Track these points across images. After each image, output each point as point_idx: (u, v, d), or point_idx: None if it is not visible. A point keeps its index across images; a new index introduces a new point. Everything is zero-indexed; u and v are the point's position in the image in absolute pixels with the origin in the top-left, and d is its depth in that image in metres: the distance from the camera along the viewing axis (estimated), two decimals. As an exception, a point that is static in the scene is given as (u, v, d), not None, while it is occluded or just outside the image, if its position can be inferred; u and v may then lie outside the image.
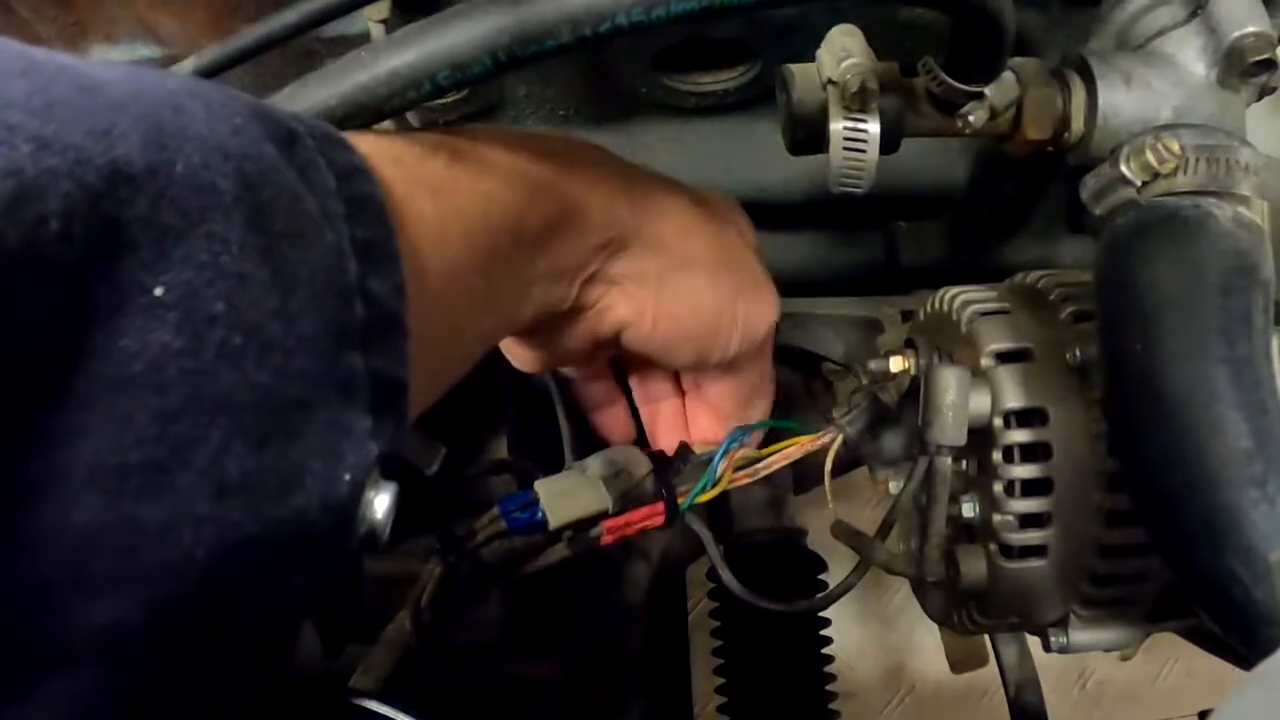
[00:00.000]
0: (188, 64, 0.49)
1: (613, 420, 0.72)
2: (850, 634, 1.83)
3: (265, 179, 0.31)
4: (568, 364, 0.62)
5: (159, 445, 0.27)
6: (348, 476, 0.33)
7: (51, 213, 0.25)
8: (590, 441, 0.73)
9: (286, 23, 0.47)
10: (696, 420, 0.71)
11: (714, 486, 0.65)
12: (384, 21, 0.67)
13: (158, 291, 0.27)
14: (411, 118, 0.81)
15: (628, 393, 0.74)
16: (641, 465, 0.65)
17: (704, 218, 0.59)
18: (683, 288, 0.56)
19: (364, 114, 0.49)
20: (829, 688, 0.92)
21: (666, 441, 0.72)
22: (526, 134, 0.54)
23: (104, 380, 0.26)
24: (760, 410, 0.70)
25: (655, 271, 0.55)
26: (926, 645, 1.82)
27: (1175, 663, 1.82)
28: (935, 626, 0.84)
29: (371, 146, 0.41)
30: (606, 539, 0.64)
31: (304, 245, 0.32)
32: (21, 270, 0.24)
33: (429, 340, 0.40)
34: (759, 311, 0.61)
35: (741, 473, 0.66)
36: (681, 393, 0.72)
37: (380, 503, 0.34)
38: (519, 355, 0.59)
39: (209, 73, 0.49)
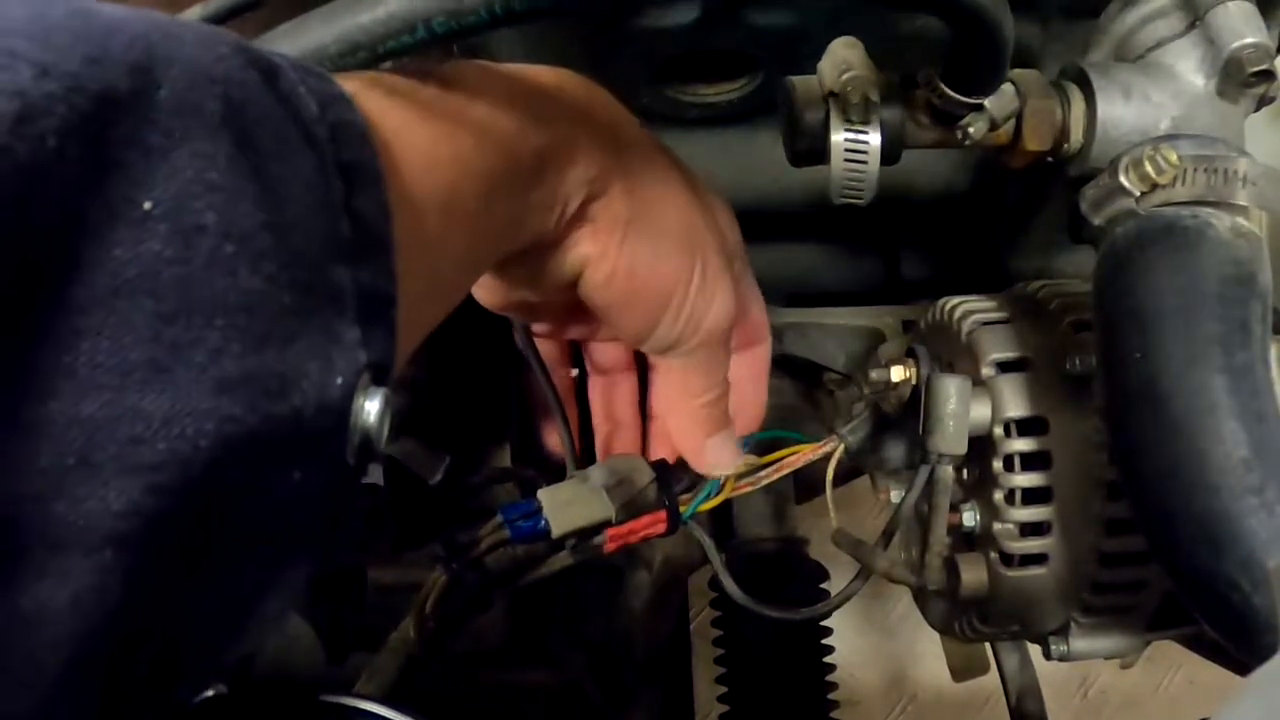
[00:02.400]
0: (194, 11, 0.49)
1: (561, 383, 0.72)
2: (852, 643, 1.83)
3: (250, 103, 0.33)
4: (527, 305, 0.61)
5: (156, 345, 0.29)
6: (339, 380, 0.35)
7: (49, 130, 0.27)
8: (593, 451, 0.73)
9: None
10: (657, 399, 0.70)
11: (716, 495, 0.66)
12: None
13: (146, 205, 0.29)
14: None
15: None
16: (644, 474, 0.65)
17: (685, 186, 0.58)
18: (648, 245, 0.55)
19: (358, 53, 0.49)
20: (831, 696, 0.92)
21: (622, 417, 0.72)
22: (521, 66, 0.53)
23: (100, 286, 0.28)
24: (749, 421, 0.69)
25: (626, 218, 0.54)
26: (928, 654, 1.82)
27: (1177, 671, 1.82)
28: (936, 635, 0.84)
29: (365, 79, 0.44)
30: (609, 547, 0.64)
31: (290, 165, 0.34)
32: (28, 181, 0.27)
33: (431, 263, 0.42)
34: (712, 303, 0.59)
35: (743, 481, 0.66)
36: (634, 369, 0.71)
37: (371, 407, 0.35)
38: (485, 284, 0.59)
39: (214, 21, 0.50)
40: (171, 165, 0.30)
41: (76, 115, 0.28)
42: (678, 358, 0.60)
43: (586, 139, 0.52)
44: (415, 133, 0.43)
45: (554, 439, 0.73)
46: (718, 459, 0.64)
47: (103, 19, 0.30)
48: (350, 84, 0.41)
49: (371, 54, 0.48)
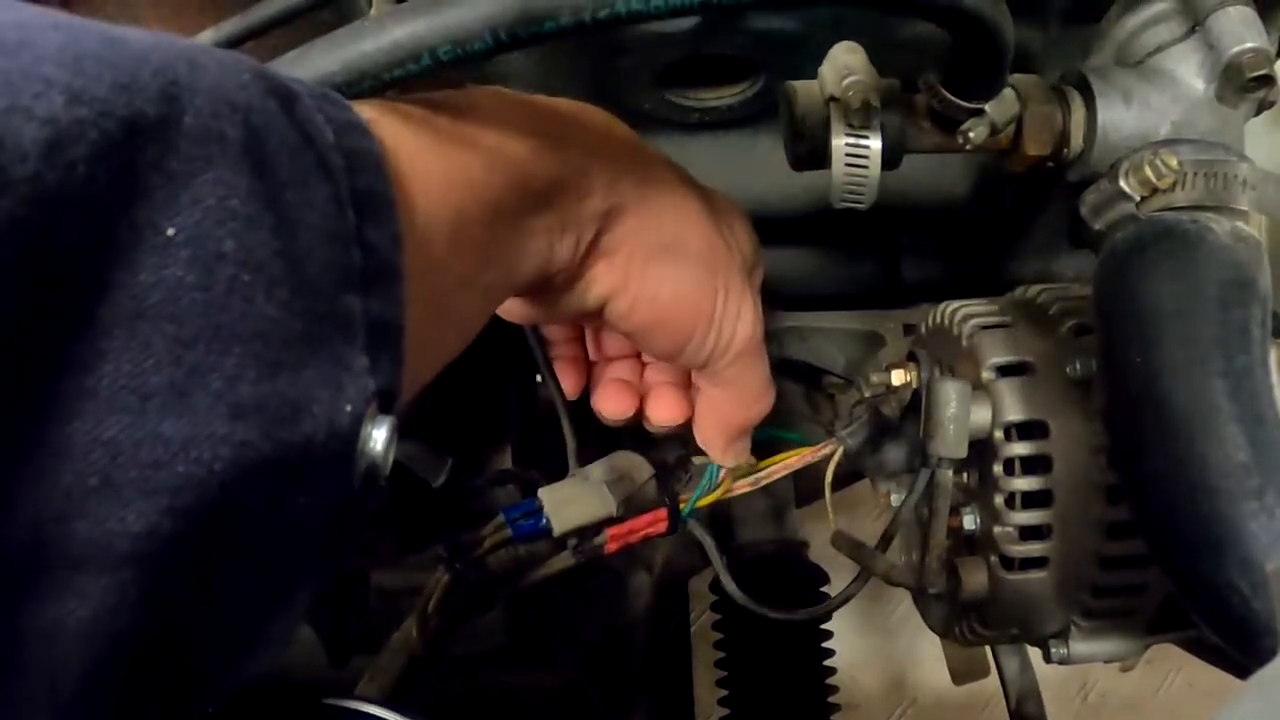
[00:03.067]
0: (206, 35, 0.49)
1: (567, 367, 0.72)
2: (852, 646, 1.83)
3: (269, 130, 0.34)
4: (551, 325, 0.62)
5: (176, 369, 0.30)
6: (349, 408, 0.35)
7: (80, 158, 0.28)
8: (595, 453, 0.73)
9: (270, 14, 0.48)
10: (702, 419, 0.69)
11: (714, 490, 0.66)
12: None
13: (170, 232, 0.30)
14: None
15: None
16: (643, 471, 0.66)
17: (704, 211, 0.58)
18: (669, 272, 0.56)
19: (364, 82, 0.49)
20: (831, 699, 0.92)
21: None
22: (534, 96, 0.54)
23: (124, 310, 0.29)
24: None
25: (646, 248, 0.55)
26: (928, 657, 1.82)
27: (1177, 675, 1.82)
28: (937, 639, 0.84)
29: (380, 105, 0.44)
30: (611, 546, 0.65)
31: (305, 194, 0.34)
32: (57, 208, 0.27)
33: (438, 289, 0.43)
34: (739, 320, 0.59)
35: (742, 482, 0.66)
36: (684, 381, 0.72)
37: (379, 435, 0.36)
38: (509, 306, 0.60)
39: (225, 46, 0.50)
40: (194, 192, 0.30)
41: (105, 141, 0.28)
42: (714, 373, 0.61)
43: (601, 169, 0.52)
44: (428, 160, 0.43)
45: None
46: (738, 455, 0.66)
47: (131, 47, 0.31)
48: (365, 110, 0.42)
49: (377, 82, 0.48)
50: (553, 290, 0.54)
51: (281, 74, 0.37)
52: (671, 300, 0.56)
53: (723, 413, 0.64)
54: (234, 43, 0.51)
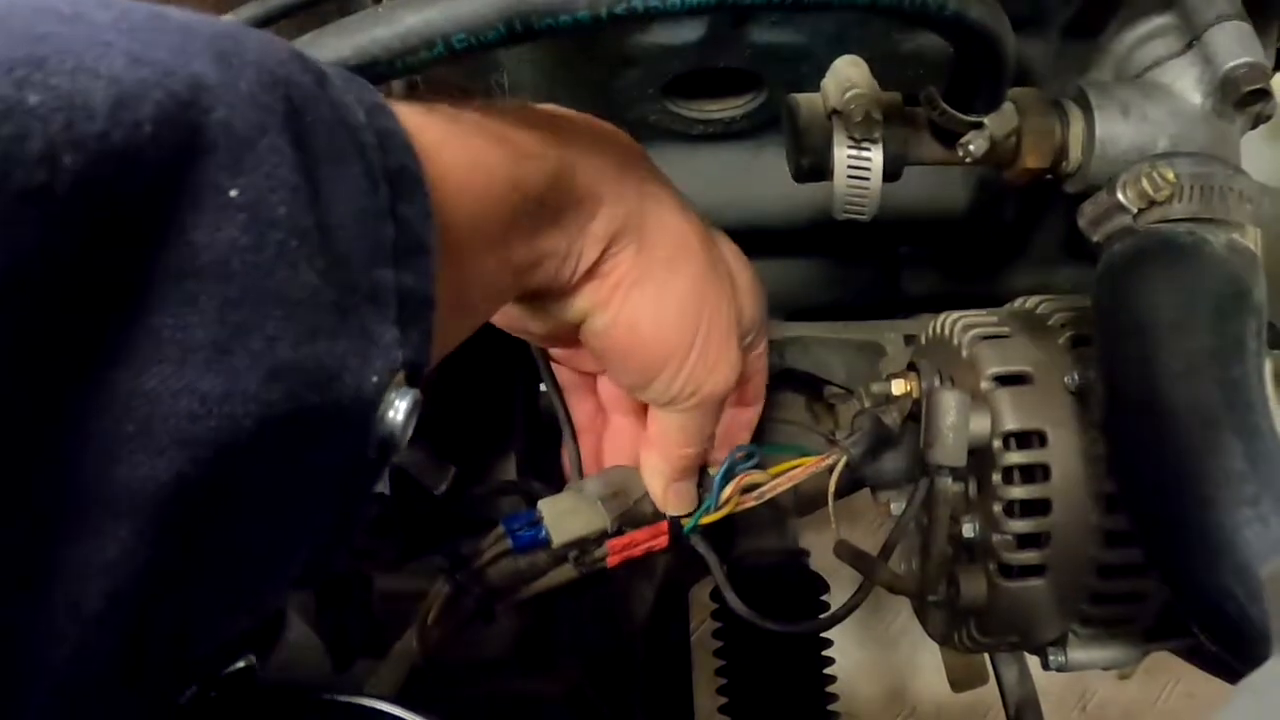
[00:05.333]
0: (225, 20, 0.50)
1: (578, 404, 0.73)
2: (852, 655, 1.83)
3: (307, 105, 0.34)
4: (538, 335, 0.62)
5: (220, 327, 0.31)
6: (375, 378, 0.36)
7: (146, 117, 0.28)
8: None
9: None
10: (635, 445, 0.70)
11: (717, 510, 0.66)
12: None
13: (233, 193, 0.31)
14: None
15: None
16: (639, 486, 0.66)
17: (703, 262, 0.58)
18: (651, 305, 0.56)
19: (375, 68, 0.50)
20: (831, 708, 0.92)
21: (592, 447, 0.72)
22: (557, 110, 0.54)
23: (175, 267, 0.30)
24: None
25: (635, 277, 0.55)
26: (928, 667, 1.82)
27: (1176, 684, 1.82)
28: (936, 649, 0.84)
29: (407, 103, 0.45)
30: (612, 560, 0.65)
31: (341, 169, 0.35)
32: (122, 166, 0.28)
33: (456, 275, 0.44)
34: (712, 372, 0.59)
35: (745, 495, 0.66)
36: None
37: (401, 404, 0.37)
38: (502, 310, 0.60)
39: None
40: (257, 155, 0.31)
41: (171, 101, 0.29)
42: (670, 412, 0.61)
43: (613, 196, 0.52)
44: (452, 149, 0.44)
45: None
46: (679, 503, 0.66)
47: (177, 20, 0.32)
48: (396, 100, 0.42)
49: (389, 69, 0.48)
50: (543, 299, 0.55)
51: (311, 55, 0.38)
52: (651, 330, 0.56)
53: (671, 441, 0.64)
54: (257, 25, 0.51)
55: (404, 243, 0.38)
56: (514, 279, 0.50)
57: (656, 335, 0.57)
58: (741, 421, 0.71)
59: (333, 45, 0.49)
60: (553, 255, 0.51)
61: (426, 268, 0.39)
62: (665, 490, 0.65)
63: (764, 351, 0.69)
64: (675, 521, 0.65)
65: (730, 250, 0.63)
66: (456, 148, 0.44)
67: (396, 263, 0.37)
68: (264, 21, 0.51)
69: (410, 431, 0.38)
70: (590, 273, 0.54)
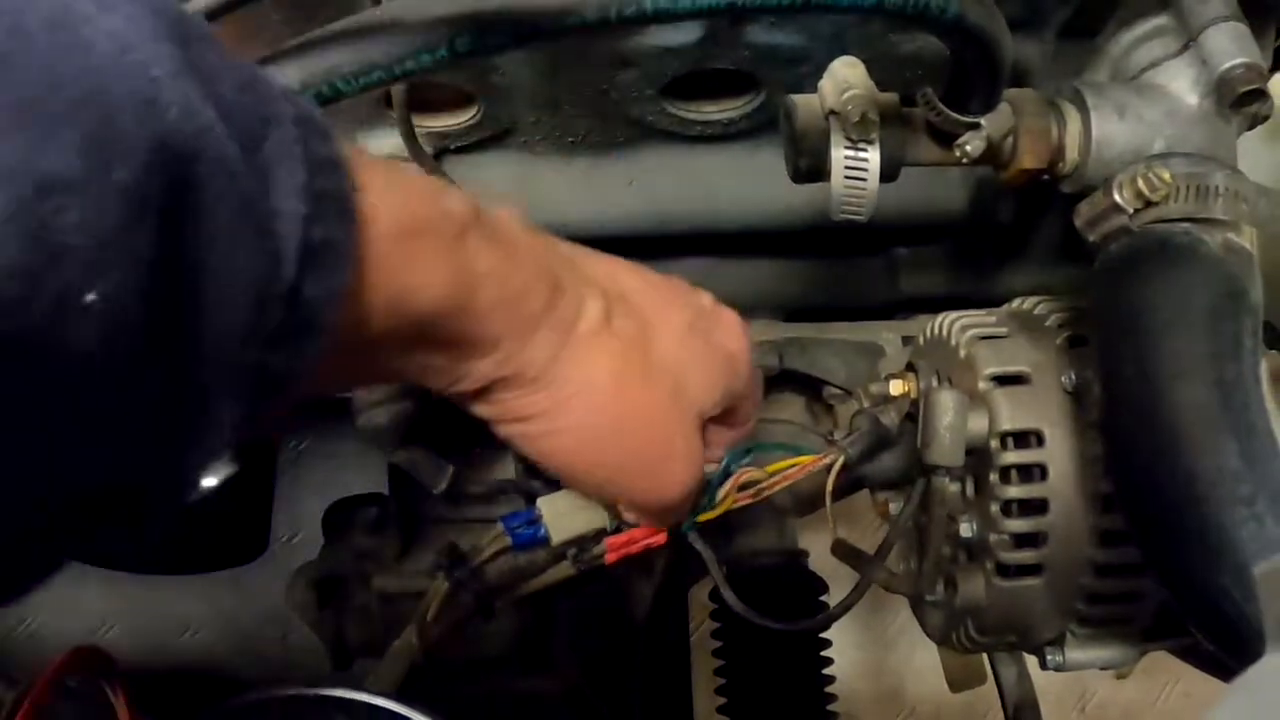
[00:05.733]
0: (198, 2, 0.49)
1: None
2: (850, 656, 1.83)
3: (209, 182, 0.32)
4: None
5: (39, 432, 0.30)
6: (197, 461, 0.36)
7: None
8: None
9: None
10: None
11: (714, 508, 0.66)
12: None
13: (89, 298, 0.29)
14: (425, 143, 0.82)
15: None
16: None
17: (621, 381, 0.54)
18: (563, 447, 0.54)
19: (373, 73, 0.49)
20: (830, 709, 0.92)
21: None
22: (509, 235, 0.50)
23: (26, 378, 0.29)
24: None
25: (540, 422, 0.53)
26: (926, 668, 1.82)
27: (1175, 685, 1.82)
28: (935, 650, 0.84)
29: (372, 159, 0.43)
30: (610, 558, 0.65)
31: (237, 247, 0.33)
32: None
33: (352, 336, 0.42)
34: (651, 489, 0.58)
35: (743, 493, 0.66)
36: None
37: (209, 482, 0.36)
38: None
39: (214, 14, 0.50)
40: (116, 254, 0.29)
41: (18, 207, 0.27)
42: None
43: (516, 343, 0.50)
44: (389, 244, 0.42)
45: None
46: (663, 523, 0.65)
47: (61, 101, 0.29)
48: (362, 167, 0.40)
49: (388, 74, 0.48)
50: (442, 395, 0.54)
51: (274, 91, 0.36)
52: (567, 468, 0.56)
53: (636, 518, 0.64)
54: (216, 14, 0.50)
55: (293, 323, 0.36)
56: (396, 376, 0.49)
57: (575, 473, 0.57)
58: (729, 440, 0.68)
59: (332, 55, 0.49)
60: (429, 368, 0.49)
61: (306, 349, 0.37)
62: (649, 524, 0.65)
63: (749, 392, 0.64)
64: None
65: (670, 345, 0.57)
66: (394, 241, 0.42)
67: (273, 343, 0.36)
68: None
69: (207, 490, 0.38)
70: (483, 397, 0.52)
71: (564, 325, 0.52)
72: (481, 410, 0.53)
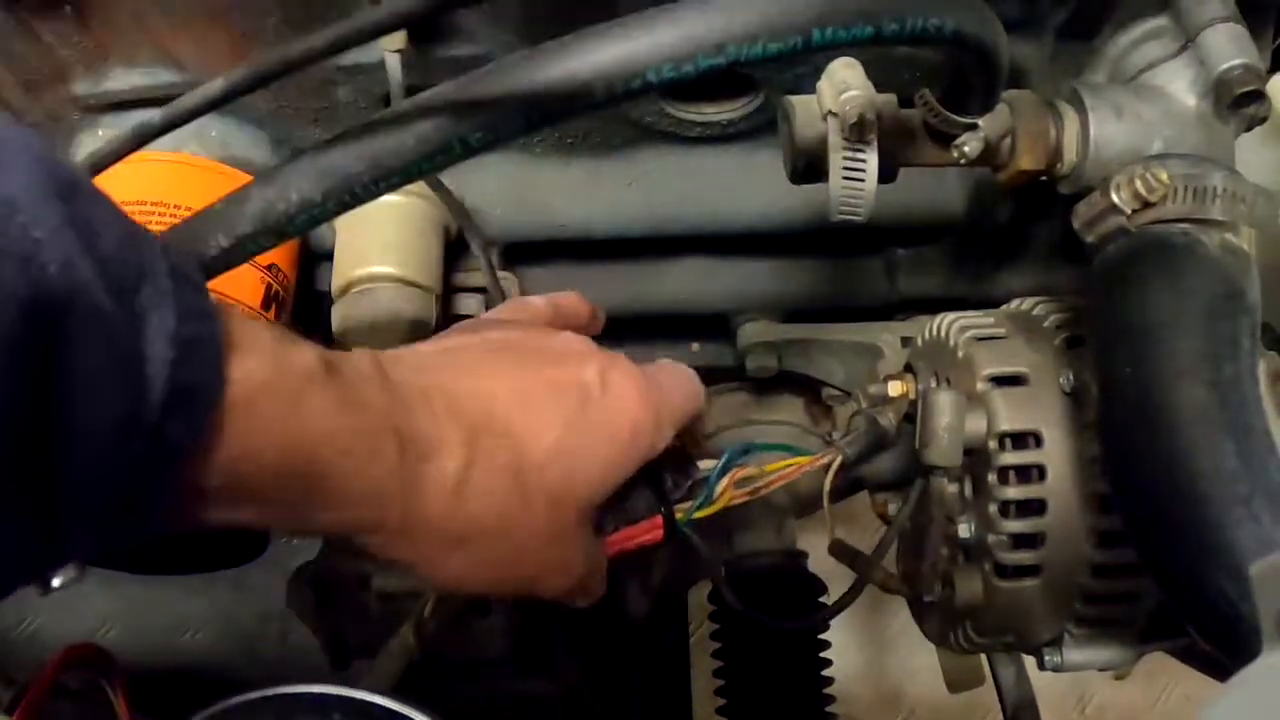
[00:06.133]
0: (217, 85, 0.50)
1: None
2: (850, 658, 1.83)
3: (70, 313, 0.34)
4: None
5: None
6: (46, 571, 0.40)
7: None
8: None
9: (304, 49, 0.48)
10: None
11: (711, 504, 0.66)
12: (399, 51, 0.69)
13: None
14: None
15: None
16: (631, 481, 0.65)
17: (488, 527, 0.54)
18: (440, 578, 0.56)
19: (391, 178, 0.50)
20: (829, 710, 0.92)
21: None
22: (358, 394, 0.49)
23: None
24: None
25: (409, 562, 0.54)
26: (925, 670, 1.82)
27: (1174, 688, 1.81)
28: (934, 651, 0.85)
29: (258, 321, 0.45)
30: (607, 553, 0.65)
31: (97, 381, 0.36)
32: None
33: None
34: (553, 585, 0.58)
35: (740, 490, 0.66)
36: None
37: (54, 581, 0.41)
38: None
39: (228, 98, 0.51)
40: None
41: None
42: None
43: (364, 507, 0.50)
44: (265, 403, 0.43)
45: None
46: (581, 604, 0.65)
47: None
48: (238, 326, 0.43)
49: (404, 178, 0.49)
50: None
51: (152, 248, 0.39)
52: (467, 585, 0.58)
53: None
54: (238, 93, 0.51)
55: (154, 457, 0.38)
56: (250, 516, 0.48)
57: (477, 587, 0.59)
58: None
59: (340, 157, 0.50)
60: (278, 520, 0.49)
61: (163, 482, 0.40)
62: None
63: (682, 428, 0.63)
64: (670, 515, 0.65)
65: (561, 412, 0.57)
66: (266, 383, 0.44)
67: (134, 473, 0.38)
68: (280, 73, 0.50)
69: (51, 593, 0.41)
70: (352, 540, 0.53)
71: (416, 483, 0.51)
72: (386, 557, 0.54)
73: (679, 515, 0.65)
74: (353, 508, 0.50)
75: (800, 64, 0.74)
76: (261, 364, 0.43)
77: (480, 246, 0.84)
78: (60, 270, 0.34)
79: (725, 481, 0.66)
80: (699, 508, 0.65)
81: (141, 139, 0.53)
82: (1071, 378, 0.65)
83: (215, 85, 0.50)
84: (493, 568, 0.56)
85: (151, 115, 0.52)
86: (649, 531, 0.64)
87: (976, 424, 0.65)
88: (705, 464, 0.67)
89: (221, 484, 0.43)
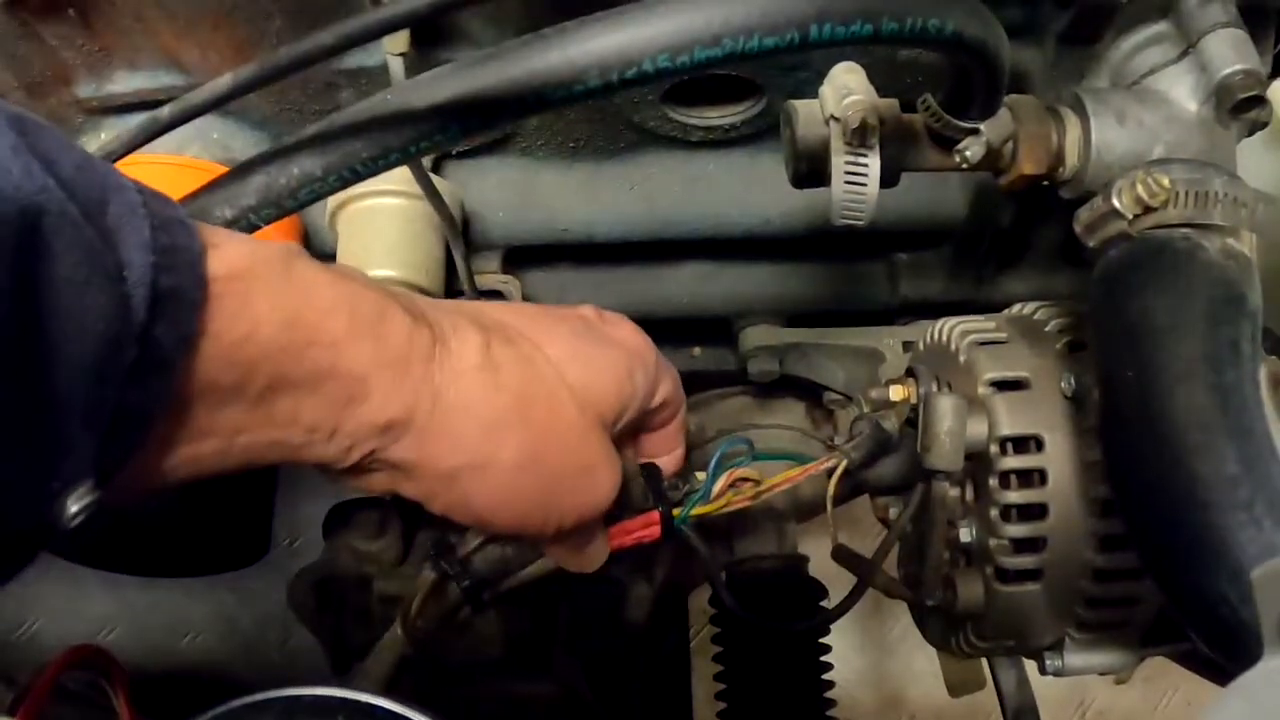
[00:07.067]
0: (225, 81, 0.50)
1: None
2: (850, 662, 1.83)
3: (56, 232, 0.36)
4: None
5: None
6: (55, 486, 0.38)
7: None
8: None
9: (306, 49, 0.48)
10: None
11: (709, 502, 0.66)
12: (402, 55, 0.69)
13: None
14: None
15: None
16: (629, 473, 0.65)
17: (524, 409, 0.53)
18: (477, 489, 0.53)
19: (391, 155, 0.50)
20: (829, 713, 0.92)
21: None
22: (355, 281, 0.50)
23: None
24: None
25: (445, 469, 0.52)
26: (926, 674, 1.82)
27: (1175, 693, 1.81)
28: (934, 655, 0.85)
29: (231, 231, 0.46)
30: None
31: (86, 292, 0.37)
32: None
33: (202, 398, 0.44)
34: (581, 502, 0.57)
35: (742, 495, 0.66)
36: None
37: (73, 508, 0.39)
38: None
39: (235, 94, 0.51)
40: None
41: None
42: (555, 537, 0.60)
43: (387, 379, 0.49)
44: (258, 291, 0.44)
45: None
46: (587, 566, 0.65)
47: None
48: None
49: (404, 156, 0.49)
50: (340, 477, 0.53)
51: (110, 170, 0.40)
52: (488, 512, 0.55)
53: (563, 548, 0.64)
54: (239, 93, 0.52)
55: (146, 362, 0.39)
56: (267, 432, 0.47)
57: (497, 515, 0.55)
58: (666, 440, 0.67)
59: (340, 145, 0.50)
60: (305, 427, 0.48)
61: (159, 387, 0.40)
62: (565, 561, 0.64)
63: (666, 388, 0.63)
64: (667, 512, 0.64)
65: (562, 349, 0.57)
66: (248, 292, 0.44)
67: (129, 380, 0.39)
68: (282, 73, 0.51)
69: (76, 524, 0.39)
70: (381, 460, 0.51)
71: (439, 360, 0.51)
72: (387, 482, 0.53)
73: (676, 513, 0.64)
74: (380, 393, 0.48)
75: (802, 68, 0.74)
76: (241, 253, 0.44)
77: (462, 256, 0.84)
78: (29, 190, 0.35)
79: (724, 480, 0.65)
80: (696, 503, 0.65)
81: (150, 134, 0.54)
82: (1073, 382, 0.65)
83: (223, 81, 0.51)
84: (524, 470, 0.54)
85: (160, 111, 0.53)
86: (646, 527, 0.64)
87: (978, 428, 0.65)
88: (701, 475, 0.67)
89: (230, 380, 0.43)
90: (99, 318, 0.37)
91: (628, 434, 0.64)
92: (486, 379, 0.52)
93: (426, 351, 0.51)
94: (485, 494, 0.54)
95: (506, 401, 0.53)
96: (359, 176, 0.53)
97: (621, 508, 0.63)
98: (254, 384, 0.45)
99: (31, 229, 0.35)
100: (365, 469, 0.52)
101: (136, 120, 0.55)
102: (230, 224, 0.54)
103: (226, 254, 0.43)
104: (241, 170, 0.54)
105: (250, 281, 0.44)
